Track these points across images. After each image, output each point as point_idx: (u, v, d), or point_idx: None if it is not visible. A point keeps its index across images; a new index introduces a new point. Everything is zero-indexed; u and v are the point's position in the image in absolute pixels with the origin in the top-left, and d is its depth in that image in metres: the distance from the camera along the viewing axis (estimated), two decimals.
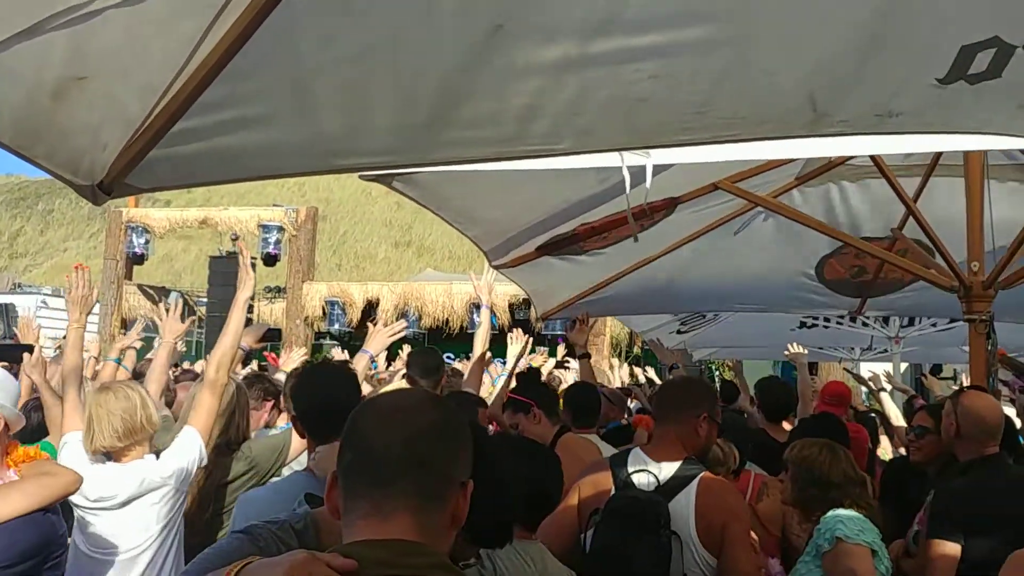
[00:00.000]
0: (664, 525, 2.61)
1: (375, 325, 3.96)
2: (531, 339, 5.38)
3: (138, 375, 6.26)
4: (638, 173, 2.67)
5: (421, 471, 1.24)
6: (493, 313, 14.10)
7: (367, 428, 1.29)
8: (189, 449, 3.03)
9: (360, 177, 2.61)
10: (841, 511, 2.88)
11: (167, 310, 3.97)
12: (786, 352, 6.74)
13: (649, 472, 2.75)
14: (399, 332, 3.94)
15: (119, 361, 5.38)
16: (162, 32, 1.68)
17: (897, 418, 5.42)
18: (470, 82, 1.85)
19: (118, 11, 1.53)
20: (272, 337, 4.53)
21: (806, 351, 6.75)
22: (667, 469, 2.74)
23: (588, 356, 5.40)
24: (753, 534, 3.26)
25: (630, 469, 2.80)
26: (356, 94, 1.97)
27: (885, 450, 6.09)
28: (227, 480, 3.27)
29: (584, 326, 5.41)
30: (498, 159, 2.24)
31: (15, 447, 2.71)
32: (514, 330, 5.25)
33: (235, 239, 16.88)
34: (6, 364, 3.49)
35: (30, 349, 3.69)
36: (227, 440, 3.32)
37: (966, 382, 4.87)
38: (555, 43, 1.74)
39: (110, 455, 3.01)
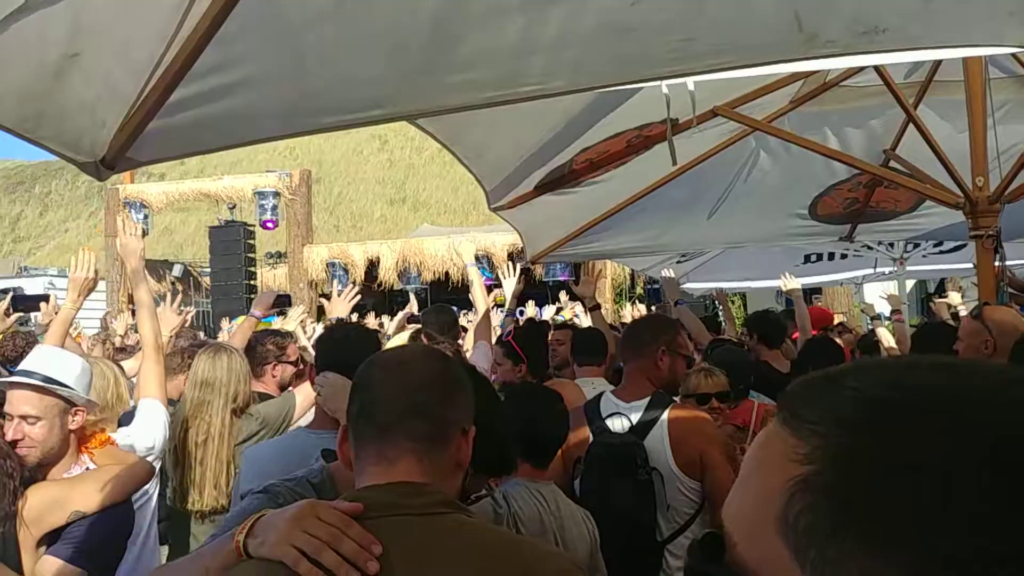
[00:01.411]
0: (641, 465, 2.68)
1: (329, 298, 4.43)
2: (523, 275, 5.45)
3: (121, 350, 6.34)
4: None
5: (421, 417, 1.32)
6: (483, 267, 14.02)
7: (372, 380, 1.39)
8: (156, 420, 3.10)
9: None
10: None
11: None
12: (781, 285, 6.85)
13: (621, 415, 2.81)
14: (356, 297, 4.40)
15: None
16: (150, 3, 1.69)
17: (889, 342, 5.79)
18: (459, 23, 1.86)
19: None
20: (282, 303, 4.58)
21: (800, 284, 6.86)
22: (638, 408, 2.80)
23: (598, 307, 5.50)
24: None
25: (604, 414, 2.85)
26: (345, 46, 1.97)
27: None
28: (241, 440, 3.41)
29: (591, 279, 5.46)
30: (500, 103, 2.23)
31: (85, 431, 2.70)
32: (505, 264, 5.27)
33: (232, 208, 16.86)
34: None
35: None
36: (237, 406, 3.46)
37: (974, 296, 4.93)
38: None
39: None
